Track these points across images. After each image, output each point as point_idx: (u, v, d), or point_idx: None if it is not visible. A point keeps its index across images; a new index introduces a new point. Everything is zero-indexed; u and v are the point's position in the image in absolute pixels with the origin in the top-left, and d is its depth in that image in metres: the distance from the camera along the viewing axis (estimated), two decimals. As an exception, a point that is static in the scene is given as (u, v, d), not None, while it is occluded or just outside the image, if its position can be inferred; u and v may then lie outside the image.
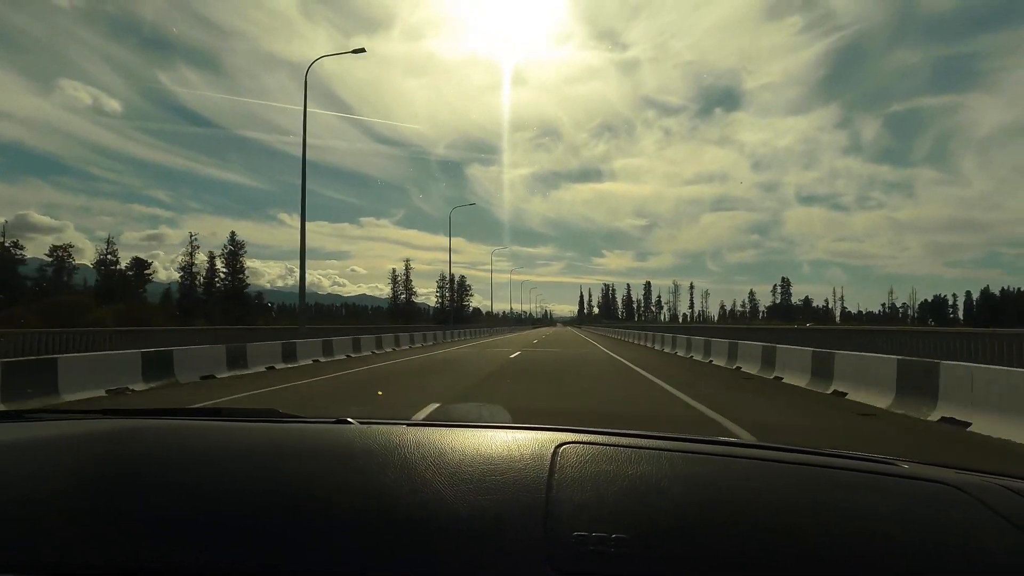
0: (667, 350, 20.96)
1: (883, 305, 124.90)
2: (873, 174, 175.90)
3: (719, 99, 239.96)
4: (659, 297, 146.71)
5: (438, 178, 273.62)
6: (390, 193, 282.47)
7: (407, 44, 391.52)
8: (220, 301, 59.88)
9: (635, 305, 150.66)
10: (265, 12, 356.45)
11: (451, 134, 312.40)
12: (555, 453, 0.80)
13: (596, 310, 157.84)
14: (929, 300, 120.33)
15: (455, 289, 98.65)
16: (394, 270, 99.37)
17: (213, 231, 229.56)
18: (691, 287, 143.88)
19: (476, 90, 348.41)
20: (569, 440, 0.85)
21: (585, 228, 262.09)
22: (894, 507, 0.72)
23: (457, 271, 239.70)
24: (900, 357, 7.57)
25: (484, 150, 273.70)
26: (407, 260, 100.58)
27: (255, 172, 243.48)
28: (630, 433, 0.94)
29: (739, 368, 12.95)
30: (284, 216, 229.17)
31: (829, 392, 8.69)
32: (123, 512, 0.71)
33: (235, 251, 64.82)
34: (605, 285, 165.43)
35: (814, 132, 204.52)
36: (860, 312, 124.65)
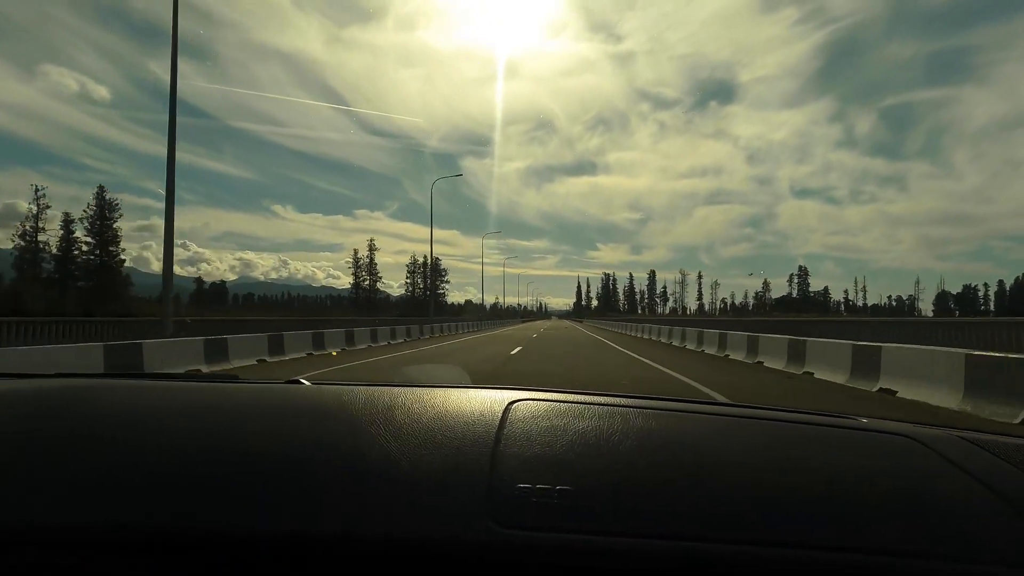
0: (712, 351, 15.91)
1: (888, 297, 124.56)
2: (866, 168, 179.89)
3: (714, 92, 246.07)
4: (664, 288, 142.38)
5: (432, 170, 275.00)
6: (384, 185, 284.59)
7: (400, 35, 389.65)
8: (80, 280, 45.68)
9: (638, 296, 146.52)
10: (256, 1, 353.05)
11: (445, 126, 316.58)
12: (506, 409, 0.81)
13: (595, 302, 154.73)
14: (951, 292, 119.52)
15: (429, 275, 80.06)
16: (355, 252, 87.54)
17: (206, 222, 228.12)
18: (699, 276, 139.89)
19: (470, 82, 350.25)
20: (522, 398, 0.85)
21: (579, 221, 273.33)
22: (852, 458, 0.74)
23: (452, 264, 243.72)
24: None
25: (478, 142, 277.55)
26: (371, 240, 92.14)
27: (248, 163, 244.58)
28: (587, 392, 0.93)
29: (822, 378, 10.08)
30: (278, 208, 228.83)
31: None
32: (72, 471, 0.72)
33: (102, 214, 47.01)
34: (605, 275, 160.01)
35: (808, 125, 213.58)
36: (881, 304, 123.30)
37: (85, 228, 46.22)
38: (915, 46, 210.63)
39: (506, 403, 0.83)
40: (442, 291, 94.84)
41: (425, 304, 77.93)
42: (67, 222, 44.97)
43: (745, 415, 0.86)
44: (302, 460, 0.72)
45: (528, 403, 0.83)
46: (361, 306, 78.97)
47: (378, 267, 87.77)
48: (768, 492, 0.66)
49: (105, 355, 8.77)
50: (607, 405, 0.84)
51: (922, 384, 7.16)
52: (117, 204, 47.53)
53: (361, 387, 0.95)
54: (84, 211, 45.75)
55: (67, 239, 45.15)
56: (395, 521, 0.63)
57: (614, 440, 0.74)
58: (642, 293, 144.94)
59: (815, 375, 9.73)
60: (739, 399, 7.31)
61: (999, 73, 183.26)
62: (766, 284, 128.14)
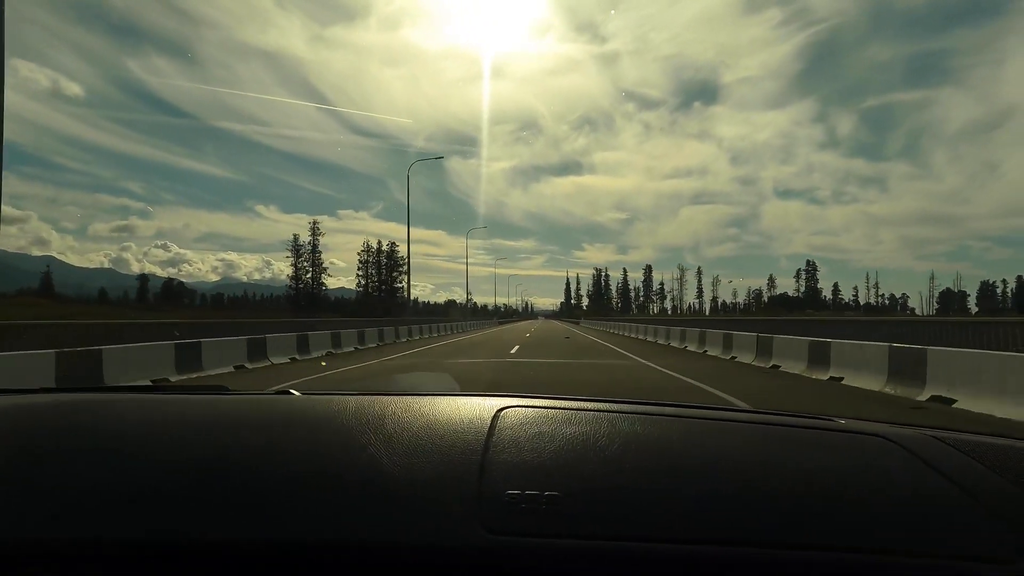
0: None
1: (880, 296, 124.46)
2: (848, 168, 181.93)
3: (698, 93, 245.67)
4: (661, 285, 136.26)
5: (417, 171, 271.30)
6: (369, 185, 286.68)
7: (384, 34, 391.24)
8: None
9: (632, 294, 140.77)
10: (238, 0, 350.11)
11: (430, 126, 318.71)
12: (495, 417, 0.83)
13: (586, 300, 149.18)
14: (956, 291, 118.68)
15: (384, 266, 72.09)
16: (295, 238, 72.59)
17: (187, 223, 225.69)
18: (699, 272, 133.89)
19: (455, 82, 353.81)
20: (510, 404, 0.88)
21: (566, 222, 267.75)
22: (830, 459, 0.77)
23: (437, 264, 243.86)
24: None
25: (464, 143, 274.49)
26: (313, 223, 74.60)
27: (230, 163, 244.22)
28: (575, 397, 0.95)
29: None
30: (261, 208, 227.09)
31: None
32: (64, 486, 0.73)
33: None
34: (596, 270, 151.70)
35: (791, 126, 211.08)
36: (873, 303, 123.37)
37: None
38: (895, 48, 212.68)
39: (495, 410, 0.85)
40: (400, 284, 77.64)
41: (382, 302, 67.30)
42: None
43: (728, 418, 0.89)
44: (293, 470, 0.74)
45: (517, 410, 0.85)
46: (301, 305, 66.18)
47: (323, 256, 73.78)
48: (750, 493, 0.69)
49: (57, 363, 7.89)
50: (595, 411, 0.86)
51: (990, 394, 6.43)
52: None
53: (351, 396, 0.97)
54: None
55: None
56: (385, 529, 0.65)
57: (601, 445, 0.76)
58: (636, 291, 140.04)
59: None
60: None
61: (976, 76, 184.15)
62: (771, 281, 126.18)
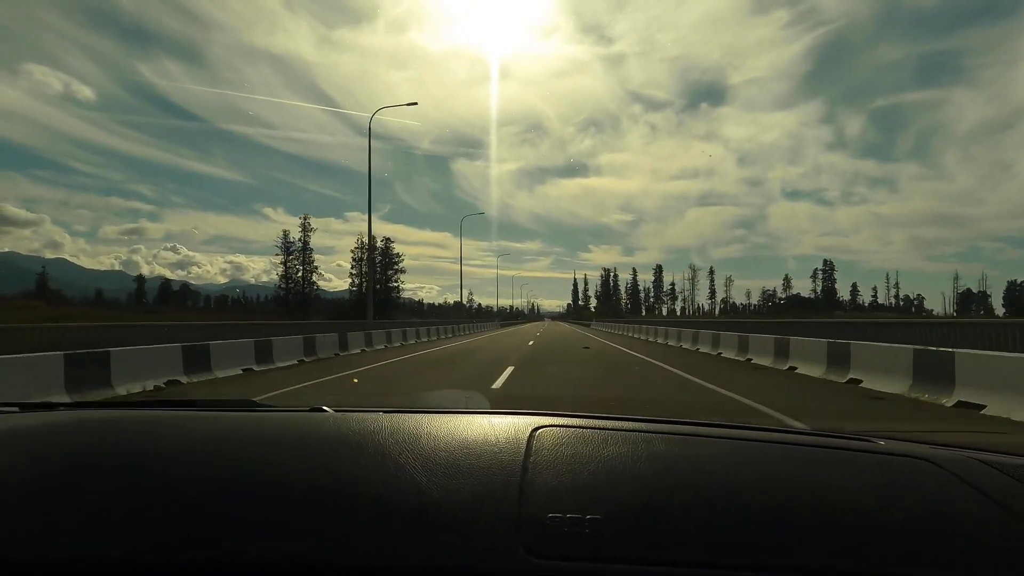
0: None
1: (896, 297, 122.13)
2: (857, 169, 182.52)
3: (705, 94, 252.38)
4: (672, 286, 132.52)
5: (424, 173, 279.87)
6: (375, 187, 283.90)
7: (391, 37, 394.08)
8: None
9: (643, 295, 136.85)
10: (246, 3, 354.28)
11: (436, 128, 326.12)
12: (531, 436, 0.83)
13: (594, 301, 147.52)
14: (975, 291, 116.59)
15: (377, 260, 63.09)
16: (285, 234, 64.71)
17: (196, 225, 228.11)
18: (711, 273, 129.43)
19: (461, 84, 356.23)
20: (545, 424, 0.88)
21: (572, 223, 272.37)
22: (870, 483, 0.76)
23: (444, 266, 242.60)
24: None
25: (470, 145, 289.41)
26: (304, 219, 67.19)
27: (239, 166, 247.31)
28: (605, 416, 0.96)
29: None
30: (269, 211, 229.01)
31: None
32: (95, 504, 0.72)
33: None
34: (605, 270, 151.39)
35: (799, 127, 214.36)
36: (887, 304, 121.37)
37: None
38: (904, 48, 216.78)
39: (530, 429, 0.85)
40: (396, 282, 72.19)
41: (377, 302, 55.93)
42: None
43: (765, 439, 0.89)
44: (329, 490, 0.73)
45: (552, 430, 0.86)
46: (294, 307, 60.20)
47: (331, 259, 69.89)
48: (792, 517, 0.68)
49: (66, 364, 7.85)
50: (630, 431, 0.87)
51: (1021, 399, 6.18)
52: None
53: (385, 414, 0.97)
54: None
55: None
56: (424, 552, 0.64)
57: (639, 467, 0.76)
58: (646, 291, 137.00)
59: None
60: None
61: (987, 76, 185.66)
62: (787, 281, 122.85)
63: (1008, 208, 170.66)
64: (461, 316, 55.28)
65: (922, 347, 8.11)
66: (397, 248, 72.45)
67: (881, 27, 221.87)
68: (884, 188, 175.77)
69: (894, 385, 8.16)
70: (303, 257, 65.85)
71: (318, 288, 68.08)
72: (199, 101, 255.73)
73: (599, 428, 0.88)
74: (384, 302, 63.58)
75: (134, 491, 0.74)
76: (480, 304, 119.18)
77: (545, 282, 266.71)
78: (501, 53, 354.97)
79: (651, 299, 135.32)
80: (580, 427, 0.88)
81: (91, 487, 0.76)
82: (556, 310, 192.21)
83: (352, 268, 70.90)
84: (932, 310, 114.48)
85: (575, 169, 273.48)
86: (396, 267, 72.63)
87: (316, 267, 67.58)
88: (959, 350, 7.40)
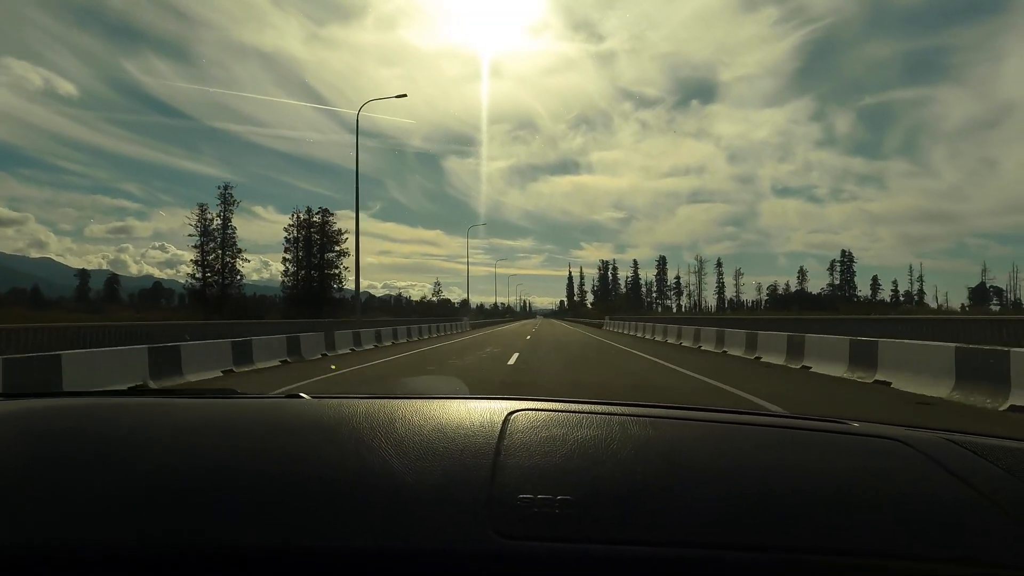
0: None
1: (895, 291, 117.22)
2: (846, 166, 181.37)
3: (695, 91, 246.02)
4: (677, 279, 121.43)
5: (415, 170, 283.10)
6: (367, 185, 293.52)
7: (381, 34, 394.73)
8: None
9: (645, 289, 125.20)
10: (234, 0, 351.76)
11: (427, 126, 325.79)
12: (506, 420, 0.84)
13: (591, 297, 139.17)
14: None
15: (316, 244, 52.94)
16: (202, 209, 48.31)
17: (184, 224, 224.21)
18: (718, 265, 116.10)
19: (452, 81, 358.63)
20: (521, 408, 0.89)
21: (564, 221, 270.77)
22: (844, 463, 0.78)
23: (436, 264, 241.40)
24: None
25: (461, 142, 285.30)
26: (224, 187, 49.64)
27: (228, 164, 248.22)
28: (585, 400, 0.96)
29: None
30: (259, 209, 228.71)
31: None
32: (74, 492, 0.73)
33: None
34: (603, 263, 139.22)
35: (789, 124, 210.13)
36: (885, 299, 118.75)
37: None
38: (892, 46, 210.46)
39: (505, 413, 0.86)
40: (338, 269, 55.63)
41: (317, 298, 47.32)
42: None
43: (740, 421, 0.90)
44: (305, 474, 0.74)
45: (527, 413, 0.86)
46: (210, 305, 46.40)
47: (238, 239, 50.77)
48: (765, 497, 0.69)
49: (3, 372, 6.98)
50: (605, 414, 0.88)
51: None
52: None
53: (362, 400, 0.98)
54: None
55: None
56: (397, 533, 0.65)
57: (613, 448, 0.77)
58: (649, 284, 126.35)
59: None
60: None
61: (974, 73, 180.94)
62: (802, 273, 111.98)
63: (995, 205, 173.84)
64: (427, 314, 49.34)
65: (966, 345, 7.43)
66: (338, 224, 56.51)
67: (869, 25, 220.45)
68: (873, 185, 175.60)
69: (934, 387, 7.45)
70: (223, 240, 48.67)
71: (243, 279, 52.04)
72: (187, 98, 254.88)
73: (575, 411, 0.88)
74: (317, 295, 52.10)
75: (108, 477, 0.75)
76: (447, 300, 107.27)
77: (537, 279, 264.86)
78: (491, 50, 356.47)
79: (653, 294, 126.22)
80: (556, 411, 0.88)
81: (69, 475, 0.76)
82: (549, 307, 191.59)
83: (286, 252, 54.73)
84: (943, 305, 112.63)
85: (567, 166, 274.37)
86: (337, 249, 55.50)
87: (241, 252, 50.12)
88: (1015, 348, 6.69)
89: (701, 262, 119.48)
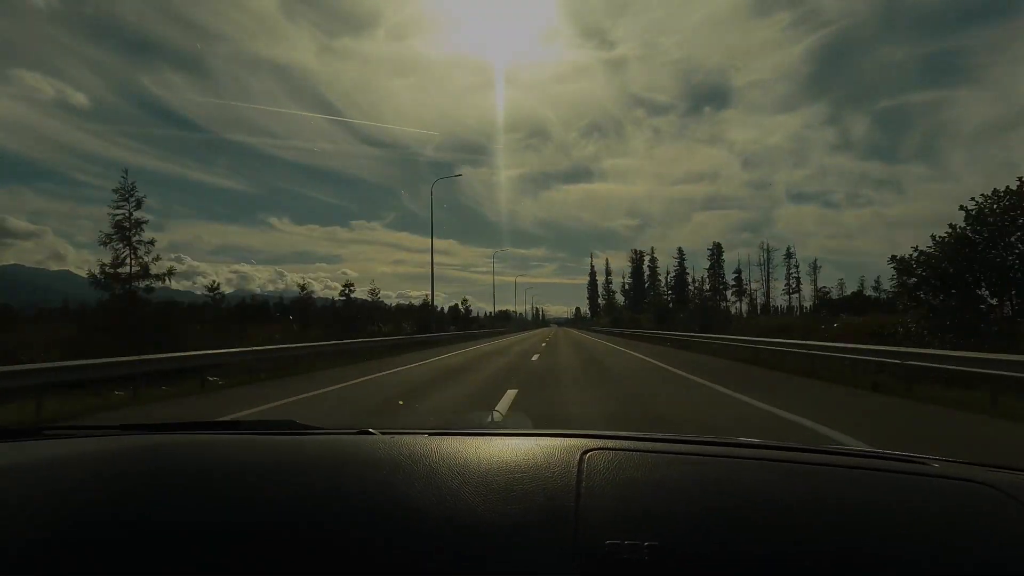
0: None
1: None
2: (863, 171, 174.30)
3: (708, 97, 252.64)
4: (737, 273, 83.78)
5: (428, 180, 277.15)
6: (380, 195, 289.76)
7: (393, 44, 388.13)
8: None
9: (694, 287, 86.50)
10: (246, 13, 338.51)
11: (440, 135, 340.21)
12: (581, 460, 0.84)
13: (621, 299, 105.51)
14: None
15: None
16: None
17: (200, 235, 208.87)
18: (788, 252, 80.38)
19: (463, 90, 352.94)
20: (594, 447, 0.89)
21: (577, 229, 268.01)
22: (924, 506, 0.75)
23: (450, 273, 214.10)
24: None
25: (474, 151, 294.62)
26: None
27: (243, 176, 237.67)
28: (651, 437, 0.99)
29: None
30: (274, 220, 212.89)
31: None
32: (145, 529, 0.74)
33: None
34: (636, 252, 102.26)
35: (803, 129, 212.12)
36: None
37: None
38: (908, 49, 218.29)
39: (579, 452, 0.85)
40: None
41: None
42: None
43: (819, 461, 0.89)
44: (380, 513, 0.73)
45: (603, 452, 0.86)
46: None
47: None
48: (841, 541, 0.68)
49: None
50: (680, 453, 0.90)
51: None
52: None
53: (432, 436, 1.00)
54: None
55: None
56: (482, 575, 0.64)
57: (695, 491, 0.77)
58: (700, 281, 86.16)
59: None
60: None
61: (992, 75, 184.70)
62: (876, 280, 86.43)
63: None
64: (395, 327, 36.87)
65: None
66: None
67: (883, 27, 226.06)
68: (890, 190, 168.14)
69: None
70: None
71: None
72: (202, 111, 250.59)
73: (649, 451, 0.89)
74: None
75: (184, 516, 0.75)
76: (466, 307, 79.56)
77: (551, 287, 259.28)
78: (503, 59, 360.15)
79: (706, 292, 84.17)
80: (630, 449, 0.88)
81: (140, 512, 0.76)
82: (563, 316, 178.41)
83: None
84: None
85: (579, 174, 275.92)
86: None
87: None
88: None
89: (768, 250, 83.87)
